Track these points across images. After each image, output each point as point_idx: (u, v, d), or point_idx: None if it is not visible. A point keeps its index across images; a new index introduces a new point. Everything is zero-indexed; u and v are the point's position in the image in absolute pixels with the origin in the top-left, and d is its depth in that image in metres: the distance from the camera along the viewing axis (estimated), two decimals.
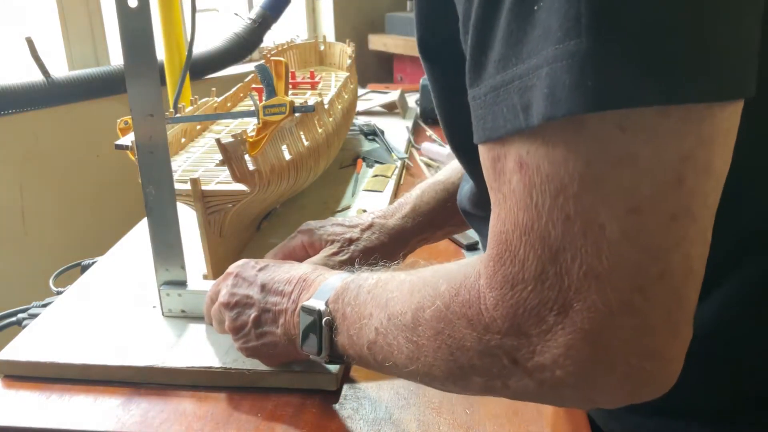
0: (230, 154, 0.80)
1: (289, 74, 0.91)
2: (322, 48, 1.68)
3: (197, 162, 0.96)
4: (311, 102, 1.06)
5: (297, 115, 0.90)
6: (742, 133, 0.38)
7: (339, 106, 1.22)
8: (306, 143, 0.98)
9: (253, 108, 0.87)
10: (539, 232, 0.37)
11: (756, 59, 0.35)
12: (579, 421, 0.61)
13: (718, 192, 0.37)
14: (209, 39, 2.01)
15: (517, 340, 0.40)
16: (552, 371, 0.39)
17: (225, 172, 0.87)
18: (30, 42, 1.63)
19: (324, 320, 0.57)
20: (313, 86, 1.40)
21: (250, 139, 0.84)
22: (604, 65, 0.33)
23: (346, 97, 1.30)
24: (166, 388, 0.68)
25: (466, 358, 0.44)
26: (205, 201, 0.81)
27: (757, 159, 0.44)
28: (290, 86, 1.01)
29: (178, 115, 0.99)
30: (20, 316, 0.81)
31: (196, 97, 1.11)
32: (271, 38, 1.99)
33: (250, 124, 1.08)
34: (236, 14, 1.99)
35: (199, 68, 1.93)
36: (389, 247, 0.80)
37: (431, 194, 0.84)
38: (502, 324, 0.40)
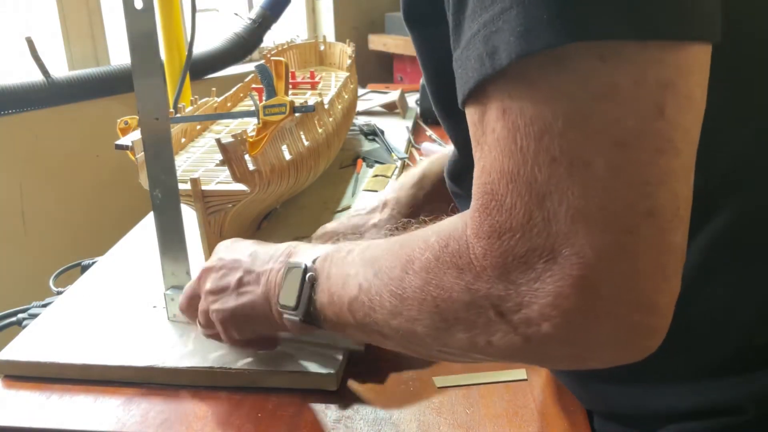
0: (230, 154, 0.80)
1: (289, 74, 0.91)
2: (322, 48, 1.68)
3: (197, 162, 0.96)
4: (311, 102, 1.06)
5: (297, 115, 0.90)
6: (717, 76, 0.38)
7: (339, 106, 1.22)
8: (306, 143, 0.98)
9: (253, 108, 0.87)
10: (525, 178, 0.37)
11: (719, 8, 0.37)
12: (579, 421, 0.61)
13: (698, 127, 0.38)
14: (209, 39, 2.01)
15: (505, 290, 0.39)
16: (539, 325, 0.39)
17: (225, 172, 0.87)
18: (30, 42, 1.63)
19: (308, 275, 0.56)
20: (313, 86, 1.40)
21: (250, 139, 0.84)
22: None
23: (346, 97, 1.30)
24: (166, 388, 0.68)
25: (451, 310, 0.43)
26: (205, 201, 0.81)
27: (730, 103, 0.45)
28: (290, 86, 1.01)
29: (178, 115, 0.99)
30: (20, 316, 0.81)
31: (196, 97, 1.11)
32: (271, 38, 1.99)
33: (250, 124, 1.08)
34: (236, 14, 1.99)
35: (200, 68, 1.93)
36: (417, 212, 0.78)
37: (440, 163, 0.82)
38: (491, 273, 0.40)
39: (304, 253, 0.60)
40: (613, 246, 0.36)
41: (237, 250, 0.66)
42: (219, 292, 0.64)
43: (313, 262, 0.57)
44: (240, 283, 0.63)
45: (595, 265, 0.36)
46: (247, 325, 0.64)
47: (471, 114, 0.41)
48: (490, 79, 0.38)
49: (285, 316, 0.59)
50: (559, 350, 0.40)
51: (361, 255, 0.53)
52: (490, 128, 0.39)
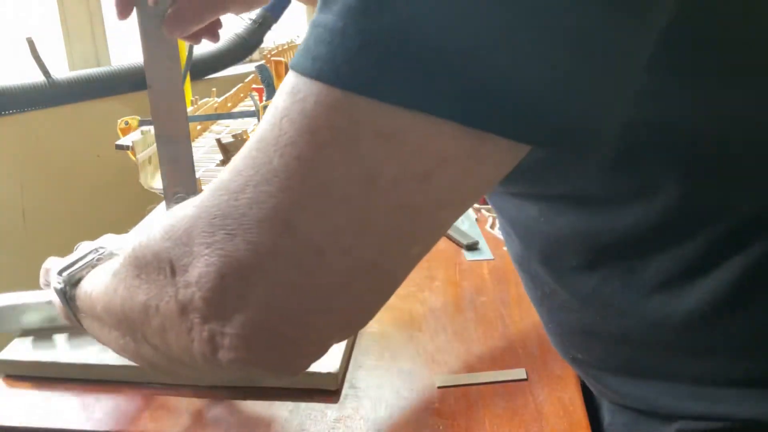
0: (230, 154, 0.80)
1: None
2: None
3: (197, 162, 0.96)
4: None
5: None
6: (745, 115, 0.38)
7: None
8: None
9: (253, 108, 0.87)
10: (266, 154, 0.36)
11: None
12: (579, 421, 0.61)
13: (451, 217, 0.37)
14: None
15: (184, 246, 0.39)
16: (193, 292, 0.39)
17: None
18: (30, 42, 1.63)
19: (66, 276, 0.58)
20: None
21: None
22: (407, 58, 0.32)
23: None
24: (167, 387, 0.68)
25: (144, 260, 0.43)
26: None
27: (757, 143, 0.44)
28: None
29: None
30: None
31: (197, 97, 1.12)
32: (272, 38, 1.99)
33: (250, 124, 1.08)
34: (236, 14, 1.99)
35: (200, 68, 1.93)
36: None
37: None
38: (185, 223, 0.40)
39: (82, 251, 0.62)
40: (289, 255, 0.36)
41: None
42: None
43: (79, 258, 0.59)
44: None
45: (256, 260, 0.36)
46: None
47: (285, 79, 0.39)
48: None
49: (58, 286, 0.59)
50: (200, 331, 0.39)
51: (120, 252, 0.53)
52: (278, 97, 0.37)
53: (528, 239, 0.54)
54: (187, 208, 0.41)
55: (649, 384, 0.52)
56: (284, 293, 0.37)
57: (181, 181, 0.71)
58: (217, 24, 0.76)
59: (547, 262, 0.53)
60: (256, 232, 0.36)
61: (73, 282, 0.58)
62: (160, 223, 0.43)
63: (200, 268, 0.38)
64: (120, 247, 0.60)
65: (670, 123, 0.42)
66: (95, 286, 0.54)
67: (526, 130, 0.33)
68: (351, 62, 0.33)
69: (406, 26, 0.32)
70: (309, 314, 0.38)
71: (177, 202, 0.70)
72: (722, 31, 0.39)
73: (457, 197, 0.37)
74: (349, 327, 0.40)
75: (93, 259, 0.58)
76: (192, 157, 0.71)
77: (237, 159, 0.38)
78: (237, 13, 0.77)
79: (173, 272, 0.40)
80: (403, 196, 0.35)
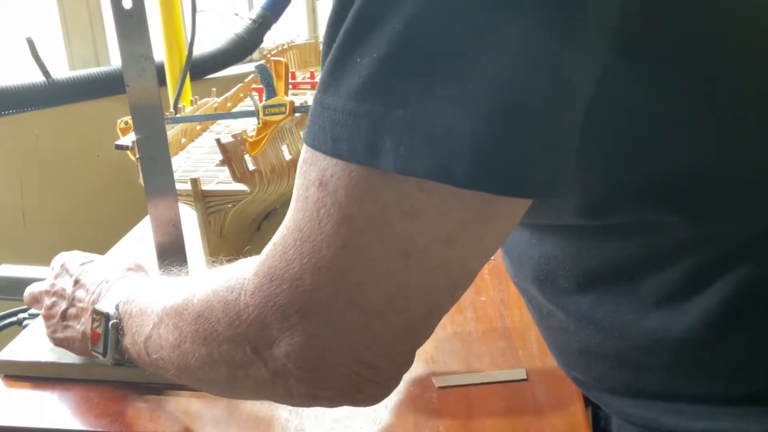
0: (230, 154, 0.80)
1: (289, 74, 0.91)
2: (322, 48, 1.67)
3: (197, 162, 0.96)
4: (311, 102, 1.06)
5: (297, 115, 0.90)
6: (739, 146, 0.40)
7: None
8: None
9: (253, 108, 0.87)
10: (313, 245, 0.41)
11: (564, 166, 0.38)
12: (578, 421, 0.61)
13: (480, 263, 0.43)
14: (209, 39, 2.01)
15: (260, 331, 0.43)
16: (284, 364, 0.43)
17: (225, 172, 0.87)
18: (30, 42, 1.63)
19: (111, 323, 0.59)
20: (313, 86, 1.40)
21: (250, 139, 0.84)
22: (418, 137, 0.36)
23: None
24: (166, 388, 0.68)
25: (216, 343, 0.46)
26: (205, 201, 0.81)
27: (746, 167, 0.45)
28: (290, 86, 1.01)
29: (178, 115, 0.99)
30: (21, 316, 0.81)
31: (197, 97, 1.12)
32: (272, 38, 1.99)
33: (250, 124, 1.08)
34: (236, 14, 1.99)
35: (200, 68, 1.93)
36: None
37: None
38: (251, 312, 0.43)
39: (113, 289, 0.63)
40: (361, 324, 0.42)
41: (67, 270, 0.69)
42: (49, 318, 0.68)
43: (116, 307, 0.60)
44: (64, 315, 0.67)
45: (341, 334, 0.42)
46: (75, 352, 0.68)
47: (303, 152, 0.43)
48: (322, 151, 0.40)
49: (98, 360, 0.63)
50: (298, 388, 0.44)
51: (158, 290, 0.56)
52: (307, 183, 0.41)
53: (521, 261, 0.55)
54: (246, 297, 0.44)
55: (648, 404, 0.53)
56: (360, 350, 0.43)
57: (160, 180, 0.72)
58: None
59: (540, 285, 0.54)
60: (327, 312, 0.41)
61: (117, 354, 0.60)
62: (220, 310, 0.46)
63: (285, 346, 0.43)
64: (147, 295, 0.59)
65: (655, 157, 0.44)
66: (151, 347, 0.54)
67: (533, 188, 0.38)
68: (372, 145, 0.37)
69: (416, 105, 0.37)
70: (380, 360, 0.44)
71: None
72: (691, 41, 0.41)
73: (481, 249, 0.42)
74: (411, 361, 0.46)
75: (114, 333, 0.60)
76: (169, 155, 0.72)
77: (284, 246, 0.42)
78: None
79: (256, 351, 0.44)
80: (435, 258, 0.40)
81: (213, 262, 0.83)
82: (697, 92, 0.42)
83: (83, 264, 0.69)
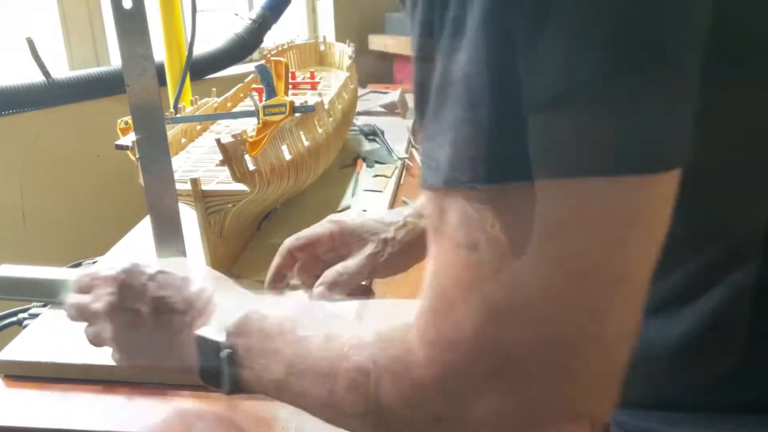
0: (230, 154, 0.80)
1: (289, 74, 0.91)
2: (322, 48, 1.68)
3: (197, 162, 0.96)
4: (311, 102, 1.06)
5: (297, 115, 0.90)
6: (735, 137, 0.39)
7: (339, 106, 1.22)
8: (306, 143, 0.98)
9: (253, 108, 0.87)
10: (481, 292, 0.37)
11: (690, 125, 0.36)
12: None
13: (657, 253, 0.38)
14: (209, 39, 2.01)
15: (446, 402, 0.39)
16: (477, 430, 0.39)
17: (225, 172, 0.87)
18: (30, 42, 1.63)
19: (226, 353, 0.52)
20: (313, 86, 1.40)
21: (250, 139, 0.84)
22: (565, 137, 0.34)
23: (346, 97, 1.30)
24: (166, 388, 0.68)
25: (387, 413, 0.42)
26: (205, 201, 0.81)
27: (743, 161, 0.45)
28: (290, 86, 1.01)
29: (178, 115, 0.99)
30: (21, 315, 0.81)
31: (197, 97, 1.12)
32: (272, 38, 1.99)
33: (250, 124, 1.08)
34: (236, 14, 1.99)
35: (200, 68, 1.93)
36: (417, 249, 0.75)
37: None
38: (431, 383, 0.39)
39: (209, 310, 0.56)
40: (558, 367, 0.37)
41: (134, 289, 0.59)
42: (117, 313, 0.58)
43: (227, 336, 0.52)
44: (144, 319, 0.57)
45: (540, 386, 0.37)
46: (142, 354, 0.59)
47: (430, 198, 0.39)
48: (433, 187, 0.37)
49: (211, 387, 0.55)
50: None
51: (281, 328, 0.50)
52: (450, 227, 0.38)
53: None
54: (420, 369, 0.40)
55: (645, 414, 0.53)
56: (574, 401, 0.38)
57: (160, 180, 0.72)
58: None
59: None
60: (519, 368, 0.37)
61: (234, 384, 0.53)
62: (388, 385, 0.41)
63: (480, 411, 0.38)
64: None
65: None
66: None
67: (687, 152, 0.36)
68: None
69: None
70: (592, 403, 0.39)
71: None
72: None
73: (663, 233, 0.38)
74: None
75: (228, 363, 0.52)
76: (169, 155, 0.72)
77: (476, 310, 0.38)
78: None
79: (439, 420, 0.40)
80: (649, 256, 0.37)
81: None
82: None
83: (151, 278, 0.59)
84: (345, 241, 0.74)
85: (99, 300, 0.59)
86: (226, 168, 0.82)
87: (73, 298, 0.62)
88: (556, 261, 0.36)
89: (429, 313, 0.39)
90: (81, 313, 0.61)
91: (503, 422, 0.38)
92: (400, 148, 1.36)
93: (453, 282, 0.38)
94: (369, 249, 0.73)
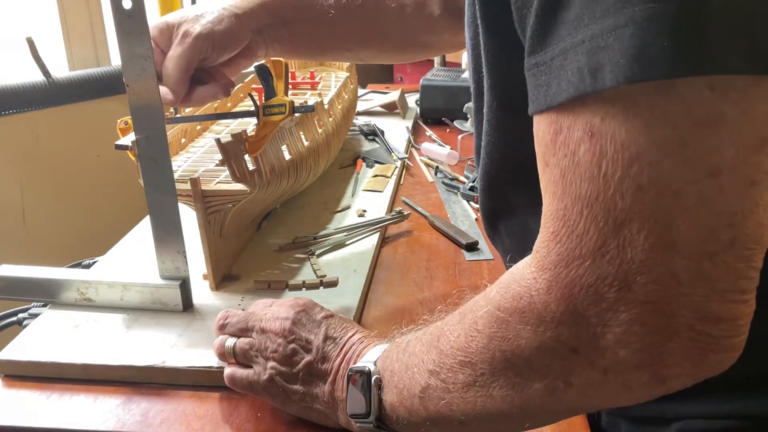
0: (230, 154, 0.80)
1: (289, 74, 0.91)
2: None
3: (197, 162, 0.96)
4: (311, 102, 1.06)
5: (297, 115, 0.90)
6: None
7: (339, 106, 1.22)
8: (306, 143, 0.98)
9: (253, 108, 0.87)
10: (604, 204, 0.36)
11: None
12: (578, 421, 0.61)
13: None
14: None
15: (574, 325, 0.38)
16: (615, 353, 0.38)
17: (225, 172, 0.87)
18: (30, 42, 1.63)
19: (373, 379, 0.54)
20: (313, 86, 1.40)
21: (250, 139, 0.84)
22: (700, 29, 0.33)
23: (346, 97, 1.30)
24: (166, 388, 0.68)
25: (522, 359, 0.42)
26: (205, 201, 0.81)
27: None
28: (290, 86, 1.01)
29: (178, 115, 0.99)
30: (21, 315, 0.81)
31: None
32: None
33: (250, 124, 1.08)
34: None
35: None
36: (235, 29, 0.77)
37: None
38: (556, 308, 0.39)
39: (365, 351, 0.59)
40: (692, 272, 0.36)
41: (313, 321, 0.63)
42: (282, 361, 0.61)
43: (375, 364, 0.55)
44: (310, 369, 0.60)
45: (672, 291, 0.36)
46: (292, 406, 0.62)
47: (543, 127, 0.39)
48: (585, 98, 0.36)
49: (358, 424, 0.56)
50: (640, 375, 0.39)
51: (421, 342, 0.51)
52: (569, 150, 0.37)
53: (526, 244, 0.54)
54: (542, 295, 0.39)
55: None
56: (700, 303, 0.37)
57: (160, 180, 0.72)
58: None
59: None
60: (647, 270, 0.36)
61: (381, 412, 0.55)
62: (516, 322, 0.41)
63: (614, 331, 0.37)
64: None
65: None
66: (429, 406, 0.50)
67: None
68: (641, 54, 0.33)
69: None
70: (724, 309, 0.37)
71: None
72: None
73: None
74: (753, 303, 0.39)
75: (376, 389, 0.55)
76: (169, 155, 0.72)
77: (567, 227, 0.38)
78: (215, 62, 0.78)
79: (575, 351, 0.39)
80: (750, 168, 0.35)
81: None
82: None
83: (327, 317, 0.63)
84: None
85: (264, 373, 0.62)
86: (226, 168, 0.82)
87: (231, 369, 0.64)
88: (687, 161, 0.34)
89: (547, 239, 0.39)
90: (240, 385, 0.64)
91: (639, 334, 0.37)
92: (400, 148, 1.36)
93: (572, 201, 0.37)
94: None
